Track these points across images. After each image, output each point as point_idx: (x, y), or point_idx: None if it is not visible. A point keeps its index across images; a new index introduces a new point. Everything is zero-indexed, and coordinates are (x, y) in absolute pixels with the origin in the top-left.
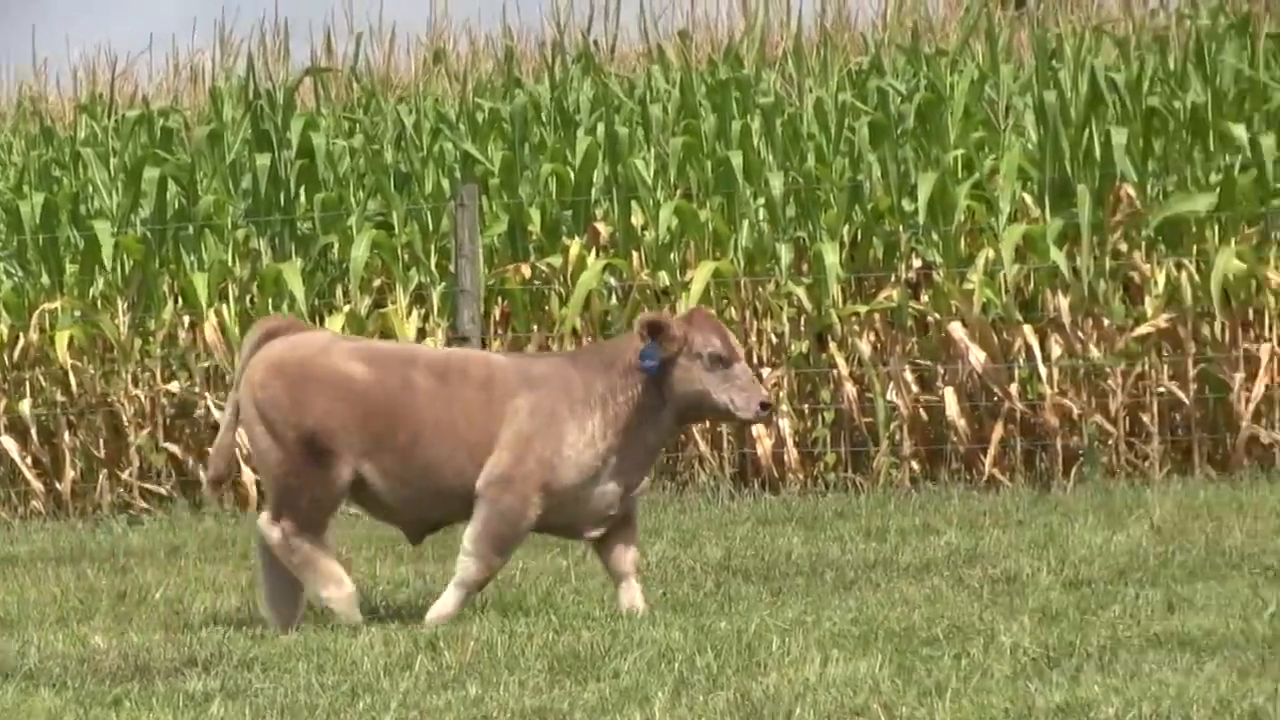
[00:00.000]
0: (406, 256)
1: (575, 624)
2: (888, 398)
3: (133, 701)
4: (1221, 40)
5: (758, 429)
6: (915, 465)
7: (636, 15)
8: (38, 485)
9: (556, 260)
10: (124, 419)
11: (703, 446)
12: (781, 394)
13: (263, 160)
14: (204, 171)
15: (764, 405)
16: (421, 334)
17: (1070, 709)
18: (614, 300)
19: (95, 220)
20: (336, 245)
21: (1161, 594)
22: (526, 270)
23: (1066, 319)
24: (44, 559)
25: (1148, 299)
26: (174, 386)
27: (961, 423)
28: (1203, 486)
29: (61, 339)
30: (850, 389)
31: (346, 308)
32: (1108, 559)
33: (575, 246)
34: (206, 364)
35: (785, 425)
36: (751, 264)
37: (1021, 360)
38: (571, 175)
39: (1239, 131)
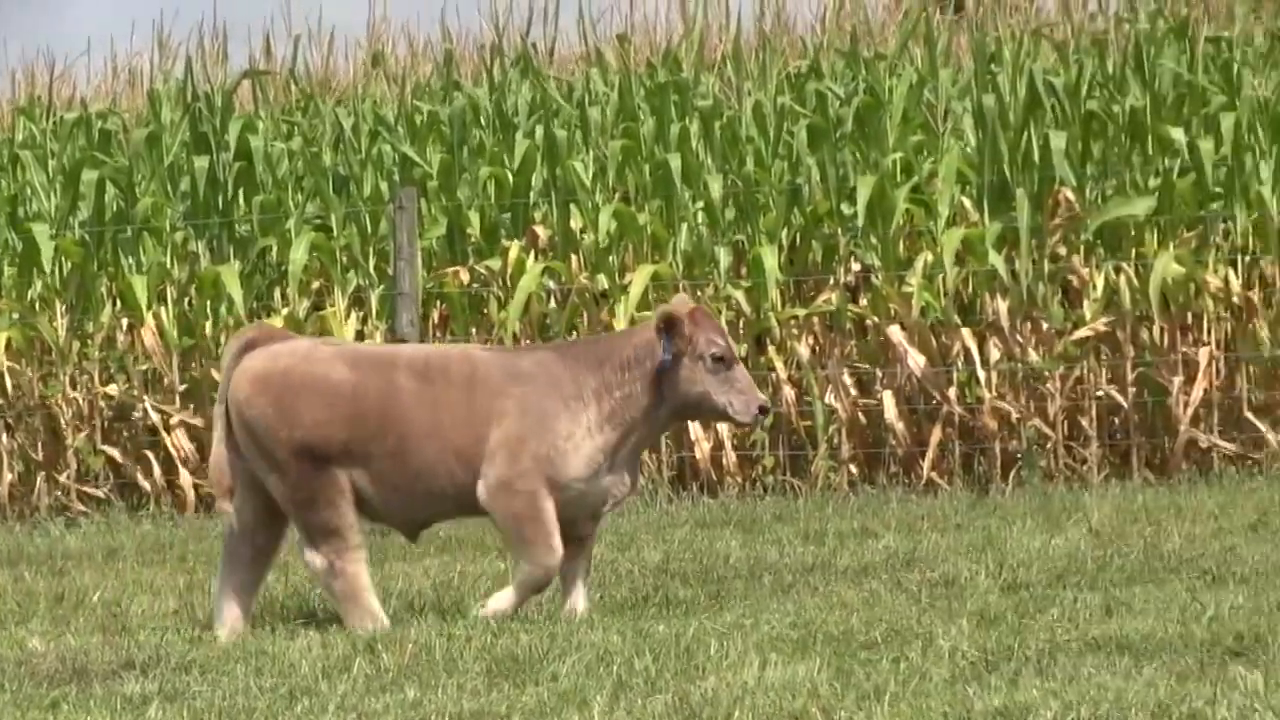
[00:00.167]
0: (345, 259)
1: (513, 627)
2: (826, 401)
3: (70, 704)
4: (1160, 44)
5: (696, 432)
6: (854, 468)
7: (575, 18)
8: None
9: (495, 263)
10: (62, 421)
11: None
12: None
13: (201, 163)
14: (142, 174)
15: (763, 409)
16: (360, 336)
17: (1008, 713)
18: (552, 303)
19: (33, 223)
20: (275, 248)
21: (1100, 598)
22: (465, 273)
23: (1005, 323)
24: None
25: (1086, 303)
26: (112, 389)
27: (900, 426)
28: (1141, 490)
29: None
30: (789, 392)
31: (285, 310)
32: (1046, 563)
33: (514, 249)
34: (145, 367)
35: (723, 428)
36: (690, 267)
37: (960, 364)
38: (510, 178)
39: (1177, 135)
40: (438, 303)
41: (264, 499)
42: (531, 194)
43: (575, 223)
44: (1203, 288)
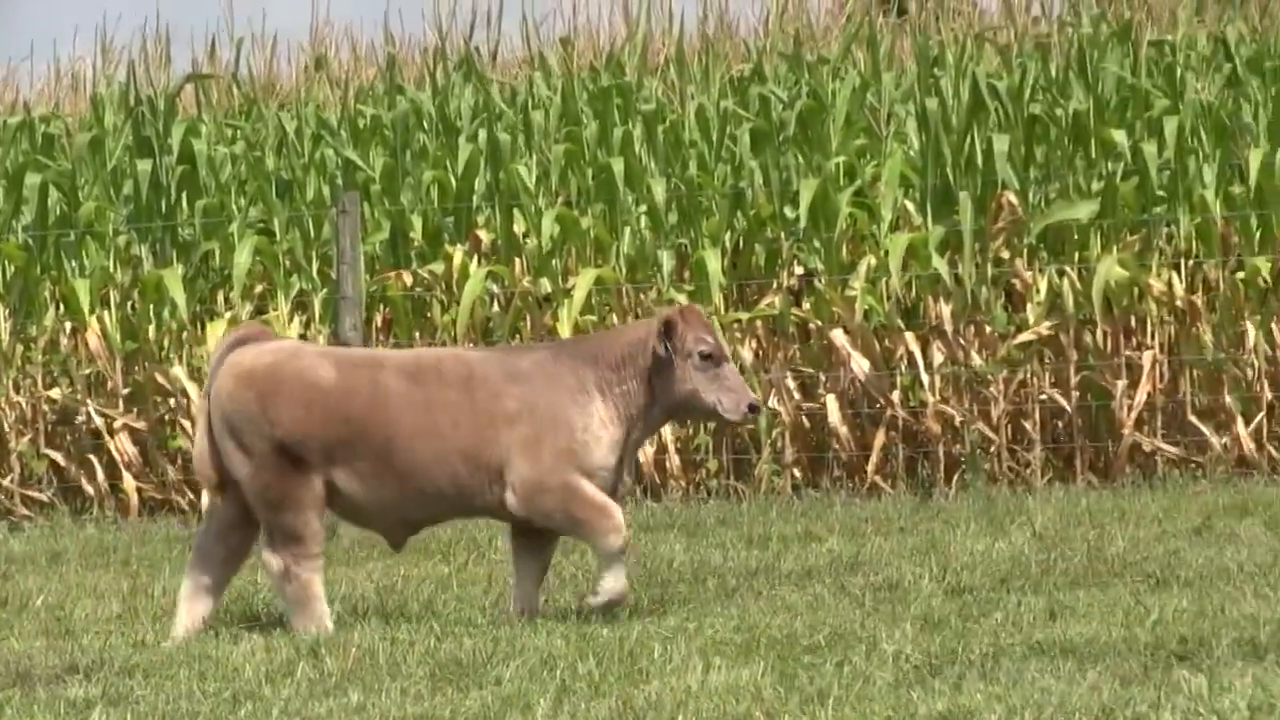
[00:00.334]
0: (288, 263)
1: (457, 631)
2: (770, 405)
3: (14, 709)
4: (1103, 48)
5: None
6: (797, 472)
7: (519, 22)
8: None
9: (438, 267)
10: (5, 425)
11: None
12: None
13: (144, 167)
14: (85, 178)
15: (752, 407)
16: (303, 340)
17: (952, 716)
18: (496, 307)
19: None
20: (218, 252)
21: (1044, 601)
22: (408, 277)
23: (948, 326)
24: None
25: (1030, 306)
26: (56, 393)
27: (844, 430)
28: (1085, 494)
29: None
30: None
31: (228, 314)
32: (990, 566)
33: (457, 254)
34: (88, 371)
35: (666, 431)
36: (633, 271)
37: (904, 367)
38: (453, 182)
39: (1120, 139)
40: (381, 307)
41: (244, 501)
42: (474, 198)
43: (518, 227)
44: (1146, 291)
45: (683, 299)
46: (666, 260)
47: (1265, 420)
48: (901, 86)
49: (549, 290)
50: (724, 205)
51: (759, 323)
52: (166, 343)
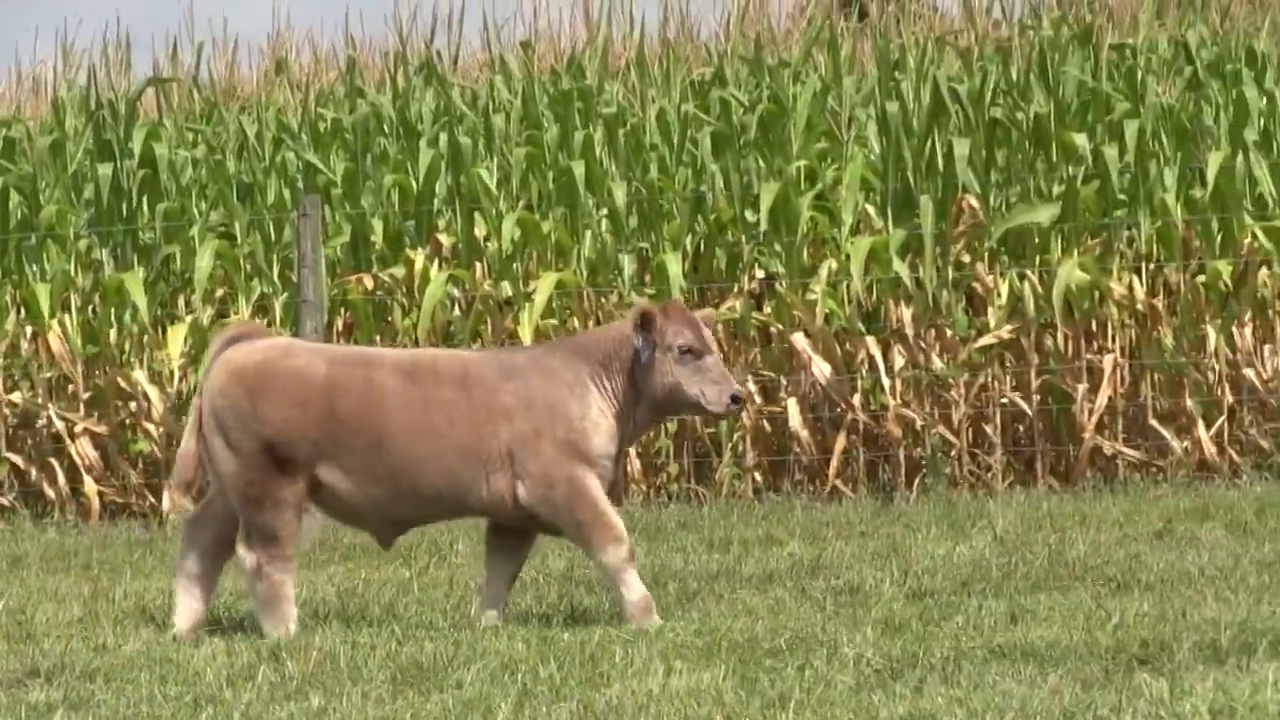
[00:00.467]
0: (249, 267)
1: (418, 635)
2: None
3: None
4: (1064, 51)
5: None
6: (758, 476)
7: (479, 26)
8: None
9: (399, 271)
10: None
11: None
12: None
13: (105, 170)
14: (46, 182)
15: (734, 399)
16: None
17: None
18: (457, 311)
19: None
20: (179, 255)
21: (1005, 605)
22: (369, 281)
23: (909, 330)
24: None
25: (990, 310)
26: (16, 397)
27: (804, 434)
28: (1045, 498)
29: None
30: None
31: (189, 318)
32: (951, 570)
33: (418, 257)
34: (49, 374)
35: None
36: (594, 275)
37: (864, 371)
38: (414, 186)
39: (1081, 142)
40: (342, 310)
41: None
42: (435, 201)
43: (479, 230)
44: (1107, 295)
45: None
46: (627, 264)
47: (1226, 424)
48: (862, 90)
49: (510, 294)
50: (685, 209)
51: (720, 326)
52: (127, 346)
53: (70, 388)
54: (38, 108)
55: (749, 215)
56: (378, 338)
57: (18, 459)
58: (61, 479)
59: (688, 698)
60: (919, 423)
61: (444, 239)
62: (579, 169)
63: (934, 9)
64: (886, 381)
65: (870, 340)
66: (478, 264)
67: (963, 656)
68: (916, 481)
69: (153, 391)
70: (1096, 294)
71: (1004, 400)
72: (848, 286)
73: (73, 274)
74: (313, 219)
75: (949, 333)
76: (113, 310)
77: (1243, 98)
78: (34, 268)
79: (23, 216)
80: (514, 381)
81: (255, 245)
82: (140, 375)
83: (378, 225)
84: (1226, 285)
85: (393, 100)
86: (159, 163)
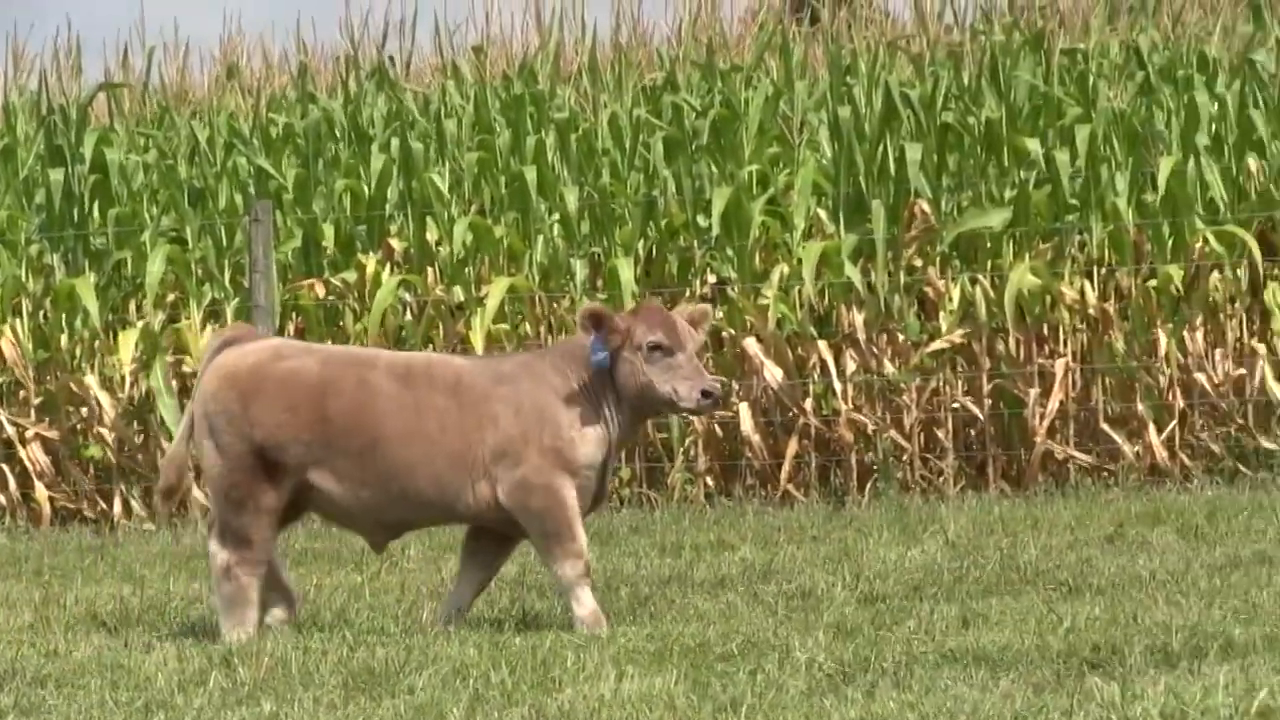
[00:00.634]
0: (200, 272)
1: (370, 640)
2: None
3: None
4: (1016, 56)
5: None
6: (710, 481)
7: (431, 31)
8: None
9: (351, 276)
10: None
11: None
12: None
13: (56, 175)
14: None
15: (705, 394)
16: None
17: None
18: (408, 315)
19: None
20: (130, 260)
21: (956, 609)
22: (321, 286)
23: (861, 334)
24: None
25: (942, 314)
26: None
27: (756, 438)
28: (997, 502)
29: None
30: None
31: (140, 323)
32: (903, 574)
33: (370, 262)
34: (1, 379)
35: None
36: (546, 280)
37: (816, 376)
38: (366, 191)
39: (1033, 147)
40: (293, 315)
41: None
42: (387, 206)
43: (431, 235)
44: (1058, 299)
45: None
46: (579, 269)
47: (1177, 428)
48: (814, 95)
49: (462, 299)
50: (637, 214)
51: None
52: (79, 352)
53: (21, 393)
54: None
55: (701, 220)
56: (329, 343)
57: None
58: (12, 484)
59: (639, 702)
60: (871, 427)
61: (396, 244)
62: (531, 174)
63: (886, 14)
64: (838, 386)
65: (822, 345)
66: (429, 269)
67: (915, 661)
68: (868, 486)
69: (104, 397)
70: (1048, 298)
71: (955, 405)
72: (799, 291)
73: (24, 279)
74: (264, 224)
75: (901, 337)
76: (64, 315)
77: (1194, 103)
78: None
79: None
80: (504, 386)
81: (207, 250)
82: (91, 380)
83: (329, 230)
84: (1178, 289)
85: (344, 105)
86: (110, 168)
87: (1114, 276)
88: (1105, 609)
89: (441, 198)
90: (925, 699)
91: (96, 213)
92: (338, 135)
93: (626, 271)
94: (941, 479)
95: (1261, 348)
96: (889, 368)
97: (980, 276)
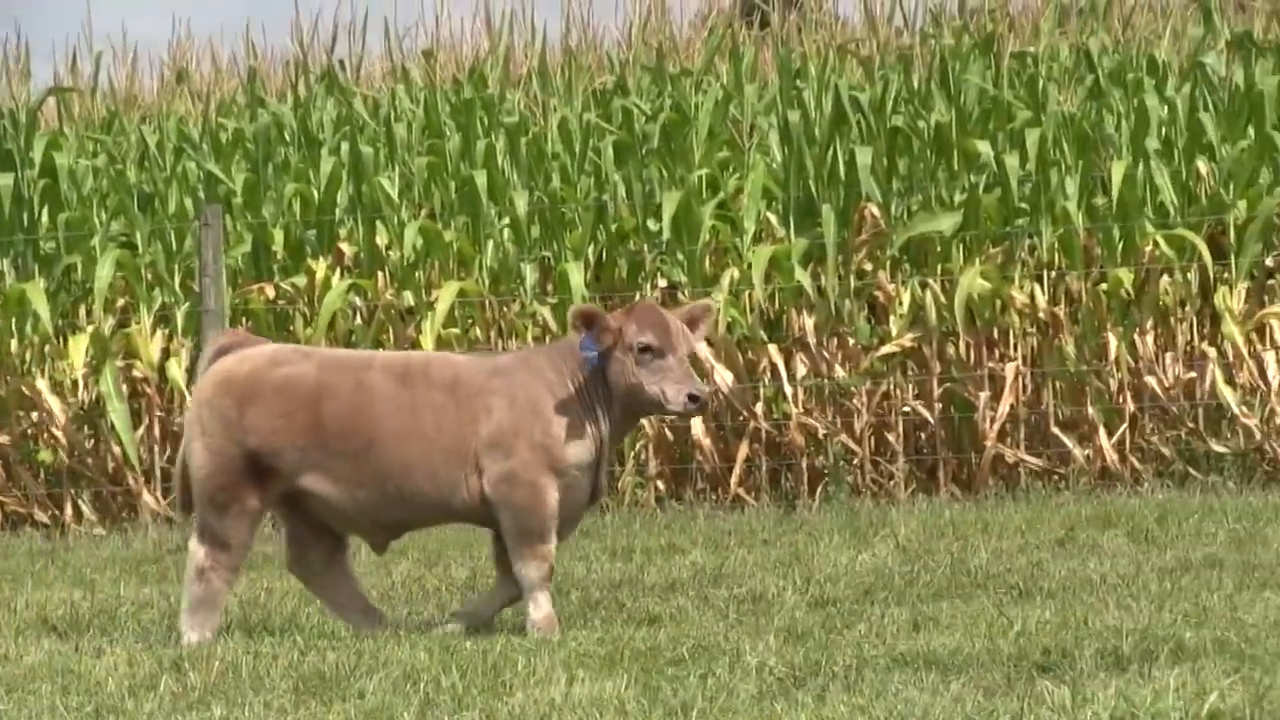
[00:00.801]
0: (150, 276)
1: (320, 644)
2: None
3: None
4: (965, 59)
5: None
6: (661, 485)
7: (381, 35)
8: None
9: (301, 280)
10: None
11: None
12: None
13: (5, 180)
14: None
15: (692, 397)
16: (166, 354)
17: None
18: (358, 320)
19: None
20: (80, 265)
21: (907, 613)
22: (271, 290)
23: (812, 339)
24: None
25: (892, 318)
26: None
27: (707, 442)
28: (948, 506)
29: None
30: None
31: (90, 328)
32: (853, 578)
33: (320, 267)
34: None
35: None
36: (496, 284)
37: (767, 380)
38: (315, 195)
39: (984, 150)
40: (244, 320)
41: (302, 515)
42: (337, 211)
43: (381, 239)
44: (1009, 303)
45: (546, 312)
46: (529, 273)
47: (1128, 431)
48: (764, 99)
49: (412, 303)
50: (587, 218)
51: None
52: (29, 356)
53: None
54: None
55: (651, 224)
56: None
57: None
58: None
59: (590, 706)
60: (821, 431)
61: (346, 248)
62: (481, 178)
63: (835, 17)
64: (789, 390)
65: (772, 349)
66: (380, 273)
67: (865, 664)
68: (819, 490)
69: (54, 401)
70: (998, 302)
71: (906, 409)
72: (750, 295)
73: None
74: (214, 228)
75: (851, 341)
76: (14, 320)
77: (1144, 106)
78: None
79: None
80: (499, 379)
81: (157, 255)
82: (42, 385)
83: (279, 235)
84: (1128, 293)
85: (294, 109)
86: (60, 172)
87: (1064, 280)
88: (1056, 612)
89: (391, 202)
90: (876, 703)
91: (46, 217)
92: (287, 139)
93: (576, 276)
94: (892, 483)
95: (1212, 351)
96: (839, 372)
97: (930, 280)
